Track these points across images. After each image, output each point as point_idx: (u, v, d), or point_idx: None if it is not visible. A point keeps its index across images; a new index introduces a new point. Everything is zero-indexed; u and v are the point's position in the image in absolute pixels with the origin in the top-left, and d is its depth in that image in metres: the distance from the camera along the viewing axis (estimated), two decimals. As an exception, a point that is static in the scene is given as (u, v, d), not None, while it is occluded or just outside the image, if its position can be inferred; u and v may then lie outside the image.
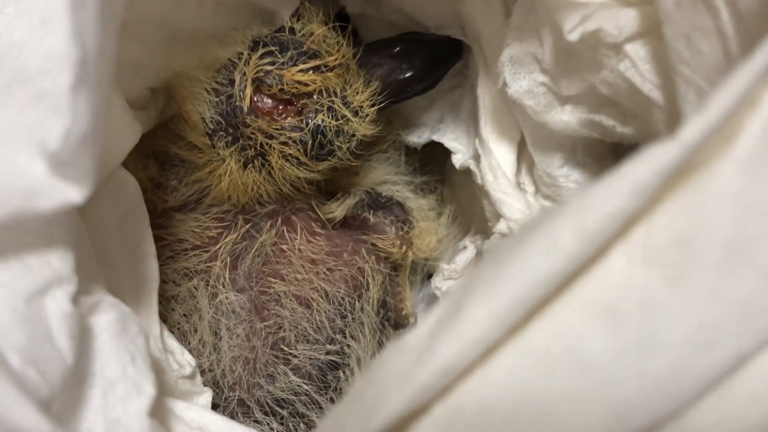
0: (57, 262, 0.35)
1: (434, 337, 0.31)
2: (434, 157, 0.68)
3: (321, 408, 0.57)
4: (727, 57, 0.36)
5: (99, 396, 0.36)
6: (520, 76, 0.48)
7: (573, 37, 0.43)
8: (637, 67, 0.42)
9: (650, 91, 0.41)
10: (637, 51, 0.42)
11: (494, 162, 0.54)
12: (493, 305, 0.29)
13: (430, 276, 0.67)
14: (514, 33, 0.48)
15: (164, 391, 0.46)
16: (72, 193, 0.33)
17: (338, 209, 0.60)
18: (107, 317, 0.37)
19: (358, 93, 0.54)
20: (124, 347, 0.37)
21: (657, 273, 0.29)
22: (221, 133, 0.53)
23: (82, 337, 0.36)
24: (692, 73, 0.37)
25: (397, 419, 0.31)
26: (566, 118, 0.48)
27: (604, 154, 0.51)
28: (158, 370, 0.47)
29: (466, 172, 0.59)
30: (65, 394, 0.34)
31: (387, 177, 0.64)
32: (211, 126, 0.53)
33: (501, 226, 0.54)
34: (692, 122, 0.29)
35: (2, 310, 0.32)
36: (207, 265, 0.56)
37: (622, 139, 0.47)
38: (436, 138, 0.61)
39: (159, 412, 0.41)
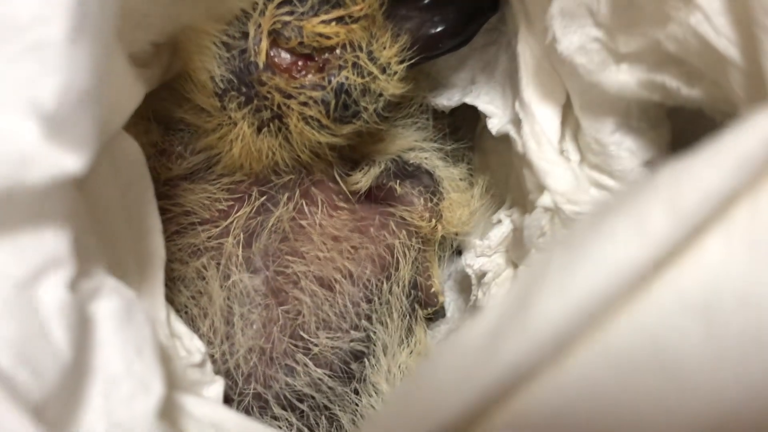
0: (51, 242, 0.31)
1: (497, 334, 0.27)
2: (464, 122, 0.63)
3: (344, 400, 0.53)
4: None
5: (101, 395, 0.32)
6: (571, 31, 0.44)
7: (638, -15, 0.38)
8: (710, 20, 0.37)
9: (726, 48, 0.37)
10: (710, 2, 0.37)
11: (538, 128, 0.50)
12: (568, 297, 0.25)
13: (459, 252, 0.63)
14: (565, -19, 0.44)
15: (172, 381, 0.42)
16: (69, 162, 0.29)
17: (363, 179, 0.55)
18: (110, 304, 0.33)
19: (385, 48, 0.49)
20: (130, 339, 0.33)
21: (762, 260, 0.25)
22: (233, 93, 0.48)
23: (82, 329, 0.32)
24: (781, 26, 0.33)
25: (453, 426, 0.27)
26: (623, 78, 0.43)
27: (661, 118, 0.47)
28: (165, 358, 0.43)
29: (500, 138, 0.55)
30: (63, 394, 0.30)
31: (414, 144, 0.59)
32: (221, 85, 0.49)
33: (545, 200, 0.49)
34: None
35: (-11, 298, 0.28)
36: (218, 241, 0.52)
37: (685, 103, 0.42)
38: (468, 100, 0.57)
39: (168, 408, 0.38)
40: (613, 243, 0.25)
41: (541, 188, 0.50)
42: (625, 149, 0.47)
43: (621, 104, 0.46)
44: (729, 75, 0.38)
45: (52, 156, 0.28)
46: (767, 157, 0.25)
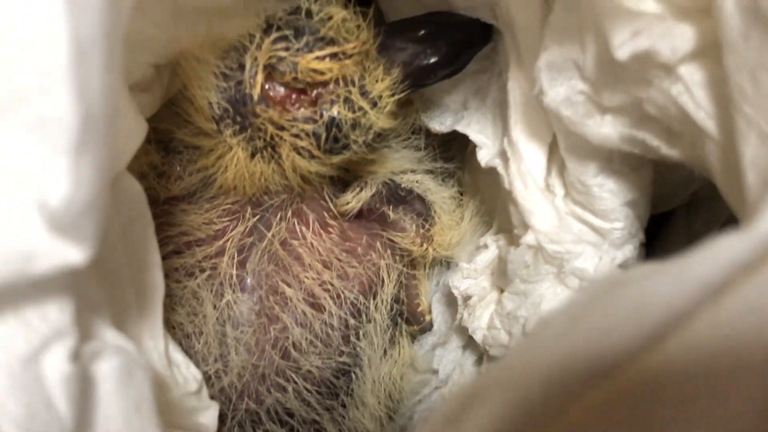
0: (55, 315, 0.33)
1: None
2: (455, 140, 0.64)
3: (332, 413, 0.56)
4: (801, 106, 0.33)
5: (101, 451, 0.34)
6: (558, 83, 0.45)
7: (621, 54, 0.40)
8: (691, 92, 0.39)
9: (704, 120, 0.38)
10: (692, 74, 0.39)
11: (524, 167, 0.51)
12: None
13: (448, 263, 0.65)
14: (553, 34, 0.45)
15: (169, 409, 0.45)
16: (73, 255, 0.30)
17: (353, 200, 0.57)
18: (110, 365, 0.35)
19: (377, 81, 0.50)
20: (129, 396, 0.36)
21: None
22: (228, 120, 0.50)
23: (84, 393, 0.34)
24: (756, 113, 0.34)
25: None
26: (606, 131, 0.45)
27: (643, 162, 0.49)
28: (163, 387, 0.45)
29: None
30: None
31: (406, 165, 0.61)
32: (218, 112, 0.50)
33: (529, 238, 0.51)
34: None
35: (-2, 376, 0.30)
36: (213, 261, 0.54)
37: (666, 160, 0.44)
38: (460, 129, 0.58)
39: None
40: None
41: (526, 226, 0.52)
42: (607, 191, 0.49)
43: (604, 150, 0.47)
44: (705, 146, 0.39)
45: (56, 250, 0.30)
46: (726, 282, 0.27)
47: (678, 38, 0.39)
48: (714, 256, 0.28)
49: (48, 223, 0.29)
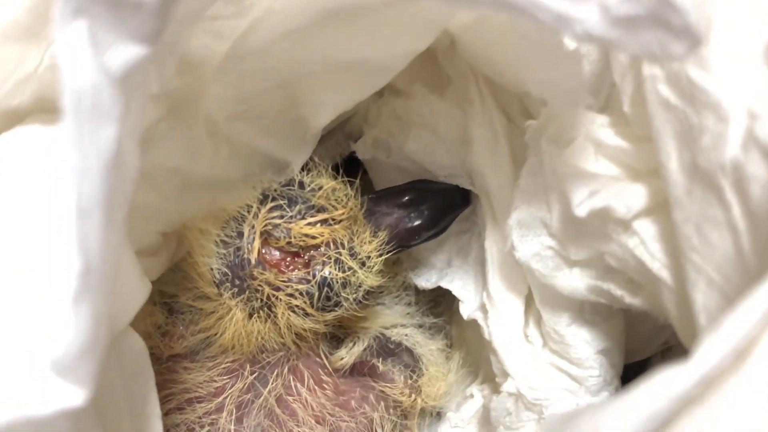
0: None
1: None
2: (443, 297, 0.66)
3: None
4: (739, 253, 0.35)
5: None
6: (528, 239, 0.47)
7: (581, 212, 0.42)
8: (646, 245, 0.41)
9: (659, 270, 0.40)
10: (646, 228, 0.41)
11: (502, 319, 0.53)
12: None
13: (439, 414, 0.65)
14: (521, 196, 0.48)
15: None
16: (73, 396, 0.31)
17: (347, 356, 0.58)
18: None
19: (365, 243, 0.53)
20: None
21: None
22: (228, 284, 0.52)
23: None
24: (703, 262, 0.36)
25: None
26: (574, 283, 0.46)
27: (612, 312, 0.50)
28: None
29: (475, 315, 0.58)
30: None
31: (396, 320, 0.62)
32: (218, 276, 0.52)
33: (509, 386, 0.52)
34: (705, 347, 0.28)
35: None
36: (212, 417, 0.54)
37: (630, 308, 0.46)
38: (444, 285, 0.60)
39: None
40: None
41: (506, 373, 0.53)
42: (581, 340, 0.50)
43: (575, 300, 0.49)
44: (662, 293, 0.41)
45: (58, 392, 0.31)
46: (670, 412, 0.28)
47: (631, 197, 0.41)
48: (660, 389, 0.29)
49: (51, 367, 0.31)
